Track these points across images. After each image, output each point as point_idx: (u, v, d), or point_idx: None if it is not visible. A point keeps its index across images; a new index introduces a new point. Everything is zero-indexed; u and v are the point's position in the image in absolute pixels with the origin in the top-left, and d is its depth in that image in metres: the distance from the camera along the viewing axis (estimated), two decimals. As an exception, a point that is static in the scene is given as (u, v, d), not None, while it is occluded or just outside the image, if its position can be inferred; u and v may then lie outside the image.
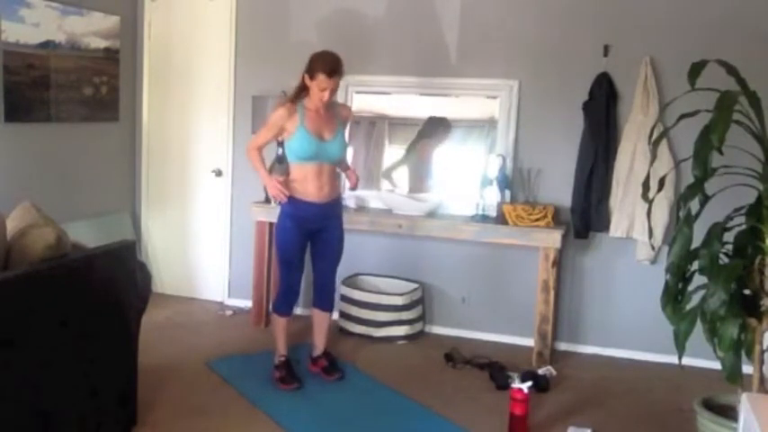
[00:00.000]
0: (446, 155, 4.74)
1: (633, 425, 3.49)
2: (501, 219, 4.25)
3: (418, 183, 4.77)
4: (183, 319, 4.81)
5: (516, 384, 3.31)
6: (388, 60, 4.70)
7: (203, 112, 5.12)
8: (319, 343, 3.95)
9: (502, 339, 4.59)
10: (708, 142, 2.70)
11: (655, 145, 3.07)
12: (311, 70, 3.50)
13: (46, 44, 4.31)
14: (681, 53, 3.86)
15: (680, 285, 2.93)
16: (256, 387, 3.70)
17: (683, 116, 2.94)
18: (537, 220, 4.17)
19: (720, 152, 2.70)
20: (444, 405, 3.59)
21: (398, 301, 4.49)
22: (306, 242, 3.76)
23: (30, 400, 2.50)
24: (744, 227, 2.92)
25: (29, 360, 2.48)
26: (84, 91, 4.68)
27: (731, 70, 2.91)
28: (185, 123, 5.17)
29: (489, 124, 4.60)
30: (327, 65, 3.46)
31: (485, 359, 4.16)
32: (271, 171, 3.84)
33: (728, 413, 2.85)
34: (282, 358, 3.83)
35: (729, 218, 2.90)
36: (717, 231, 2.85)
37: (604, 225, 4.31)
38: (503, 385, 3.76)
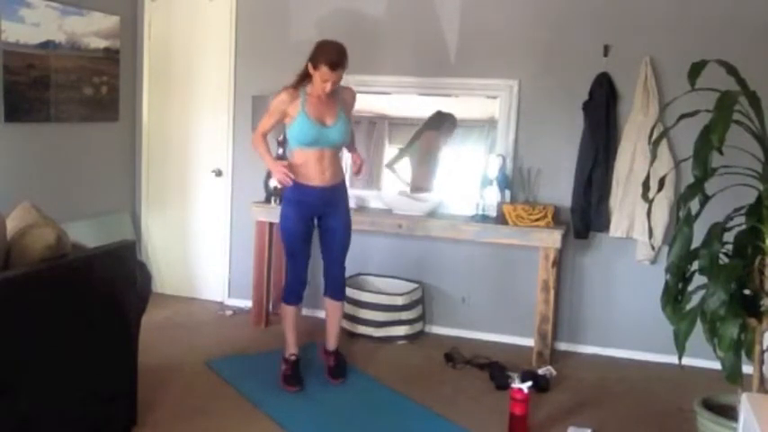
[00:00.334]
0: (446, 155, 4.74)
1: (633, 425, 3.49)
2: (501, 219, 4.25)
3: (421, 175, 4.76)
4: (183, 319, 4.81)
5: (516, 384, 3.31)
6: (388, 60, 4.70)
7: (203, 112, 5.12)
8: (332, 335, 3.91)
9: (502, 339, 4.59)
10: (708, 142, 2.70)
11: (655, 145, 3.06)
12: (315, 60, 3.47)
13: (46, 44, 4.31)
14: (681, 53, 3.86)
15: (680, 285, 2.94)
16: (256, 387, 3.70)
17: (683, 116, 2.94)
18: (537, 220, 4.17)
19: (720, 152, 2.70)
20: (444, 405, 3.59)
21: (398, 301, 4.49)
22: (310, 229, 3.72)
23: (29, 399, 2.50)
24: (744, 227, 2.92)
25: (28, 360, 2.48)
26: (84, 91, 4.69)
27: (731, 70, 2.91)
28: (185, 123, 5.17)
29: (489, 124, 4.60)
30: (331, 56, 3.43)
31: (485, 359, 4.16)
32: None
33: (728, 413, 2.85)
34: (293, 357, 3.80)
35: (729, 218, 2.90)
36: (717, 231, 2.85)
37: (604, 225, 4.31)
38: (503, 385, 3.76)
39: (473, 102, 4.69)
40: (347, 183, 3.87)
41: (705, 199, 2.90)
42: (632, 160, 4.19)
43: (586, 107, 4.31)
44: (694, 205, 2.91)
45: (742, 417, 2.15)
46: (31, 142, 4.33)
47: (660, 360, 4.22)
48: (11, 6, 4.05)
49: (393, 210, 4.53)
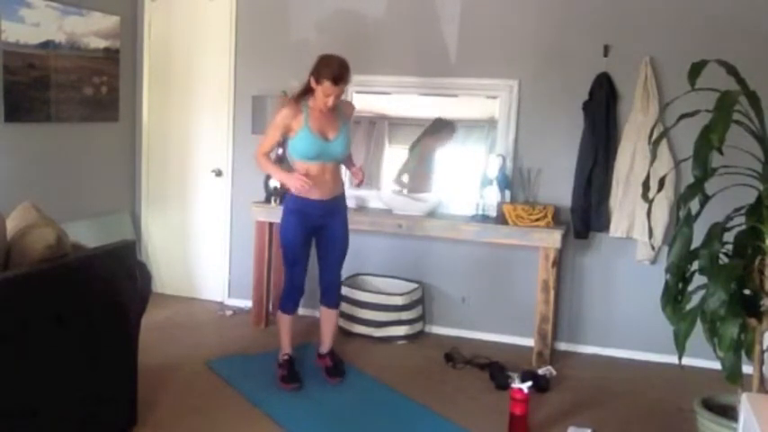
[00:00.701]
0: (446, 155, 4.74)
1: (633, 425, 3.49)
2: (501, 219, 4.25)
3: (420, 181, 4.76)
4: (183, 319, 4.81)
5: (516, 384, 3.31)
6: (389, 60, 4.70)
7: (203, 112, 5.12)
8: (326, 340, 3.93)
9: (502, 339, 4.59)
10: (708, 142, 2.70)
11: (655, 145, 3.06)
12: (318, 75, 3.47)
13: (46, 44, 4.31)
14: (681, 53, 3.86)
15: (680, 285, 2.93)
16: (256, 387, 3.70)
17: (683, 116, 2.94)
18: (537, 220, 4.17)
19: (720, 152, 2.70)
20: (444, 405, 3.59)
21: (398, 301, 4.49)
22: (309, 239, 3.75)
23: (29, 399, 2.50)
24: (744, 227, 2.92)
25: (28, 360, 2.48)
26: (84, 91, 4.69)
27: (731, 70, 2.91)
28: (185, 123, 5.17)
29: (489, 124, 4.61)
30: (335, 72, 3.44)
31: (485, 359, 4.16)
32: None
33: (728, 413, 2.85)
34: (286, 357, 3.83)
35: (729, 218, 2.90)
36: (717, 231, 2.85)
37: (604, 225, 4.31)
38: (503, 385, 3.76)
39: (473, 102, 4.69)
40: (347, 185, 3.88)
41: (705, 199, 2.90)
42: (632, 160, 4.19)
43: (586, 107, 4.31)
44: (694, 205, 2.91)
45: (742, 417, 2.15)
46: (31, 142, 4.33)
47: (660, 360, 4.22)
48: (11, 6, 4.05)
49: (393, 210, 4.53)
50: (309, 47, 3.67)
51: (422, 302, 4.69)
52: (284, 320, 3.85)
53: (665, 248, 3.39)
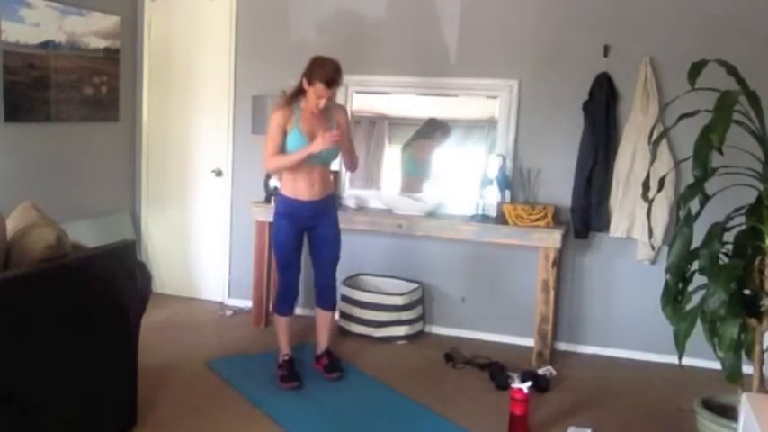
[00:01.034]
0: (446, 155, 4.74)
1: (633, 425, 3.49)
2: (501, 219, 4.25)
3: (412, 183, 4.77)
4: (183, 319, 4.81)
5: (516, 384, 3.31)
6: (388, 60, 4.70)
7: (203, 112, 5.12)
8: (322, 341, 3.95)
9: (502, 339, 4.59)
10: (708, 142, 2.70)
11: (655, 145, 3.06)
12: (310, 76, 3.49)
13: (46, 44, 4.31)
14: (681, 53, 3.86)
15: (680, 285, 2.93)
16: (256, 387, 3.70)
17: (683, 116, 2.94)
18: (537, 220, 4.17)
19: (720, 152, 2.70)
20: (444, 405, 3.59)
21: (398, 301, 4.49)
22: (301, 241, 3.77)
23: (29, 399, 2.50)
24: (744, 227, 2.92)
25: (28, 360, 2.48)
26: (84, 91, 4.69)
27: (731, 70, 2.91)
28: (185, 123, 5.17)
29: (489, 124, 4.61)
30: (327, 75, 3.46)
31: (485, 359, 4.16)
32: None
33: (728, 413, 2.85)
34: (286, 357, 3.84)
35: (729, 218, 2.90)
36: (717, 231, 2.85)
37: (604, 225, 4.31)
38: (503, 385, 3.76)
39: (473, 102, 4.69)
40: (347, 184, 3.88)
41: (705, 199, 2.90)
42: (632, 160, 4.19)
43: (586, 107, 4.31)
44: (694, 205, 2.91)
45: (742, 417, 2.15)
46: (31, 142, 4.33)
47: (660, 360, 4.22)
48: (11, 6, 4.05)
49: (393, 210, 4.53)
50: (309, 47, 3.67)
51: (422, 302, 4.69)
52: (281, 323, 3.87)
53: (665, 248, 3.39)
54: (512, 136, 4.50)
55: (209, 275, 5.24)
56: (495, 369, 3.97)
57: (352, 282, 4.67)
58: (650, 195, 3.05)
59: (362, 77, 4.69)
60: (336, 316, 4.44)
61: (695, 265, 2.90)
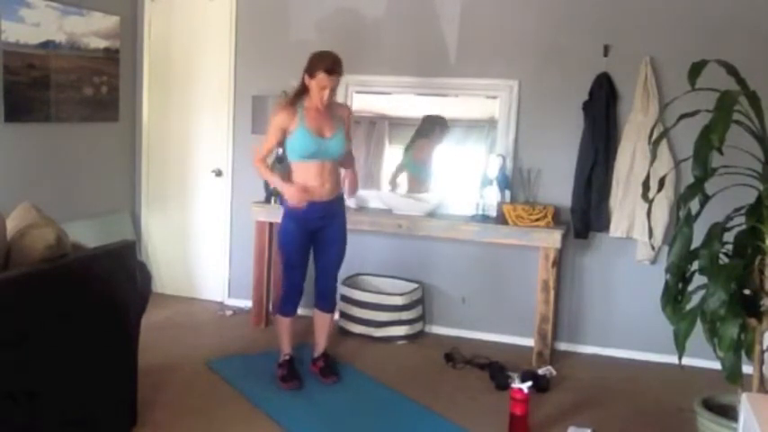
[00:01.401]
0: (446, 155, 4.74)
1: (633, 425, 3.49)
2: (501, 219, 4.25)
3: (416, 184, 4.77)
4: (183, 319, 4.82)
5: (516, 384, 3.31)
6: (388, 60, 4.70)
7: (203, 112, 5.12)
8: (319, 343, 3.94)
9: (502, 339, 4.59)
10: (708, 142, 2.70)
11: (655, 145, 3.06)
12: (311, 69, 3.51)
13: (46, 44, 4.31)
14: (681, 53, 3.86)
15: (680, 285, 2.93)
16: (256, 387, 3.70)
17: (683, 116, 2.94)
18: (537, 220, 4.17)
19: (720, 152, 2.70)
20: (444, 405, 3.59)
21: (398, 301, 4.49)
22: (309, 242, 3.74)
23: (29, 399, 2.50)
24: (744, 227, 2.92)
25: (28, 360, 2.48)
26: (84, 91, 4.69)
27: (731, 70, 2.91)
28: (185, 123, 5.17)
29: (489, 124, 4.61)
30: (327, 63, 3.48)
31: (485, 359, 4.16)
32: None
33: (728, 413, 2.85)
34: (287, 357, 3.83)
35: (729, 218, 2.90)
36: (717, 231, 2.85)
37: (604, 225, 4.31)
38: (503, 385, 3.76)
39: (473, 102, 4.69)
40: (347, 184, 3.86)
41: (705, 199, 2.90)
42: (632, 160, 4.19)
43: (586, 107, 4.31)
44: (694, 205, 2.91)
45: (742, 417, 2.15)
46: (31, 142, 4.33)
47: (660, 360, 4.22)
48: (11, 6, 4.05)
49: (393, 210, 4.53)
50: (309, 47, 3.66)
51: (422, 302, 4.69)
52: (283, 323, 3.85)
53: (665, 248, 3.39)
54: (512, 136, 4.50)
55: (209, 275, 5.24)
56: (495, 369, 3.97)
57: (352, 282, 4.67)
58: (650, 195, 3.05)
59: (362, 77, 4.69)
60: (336, 316, 4.44)
61: (695, 265, 2.90)
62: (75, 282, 2.72)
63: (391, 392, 3.74)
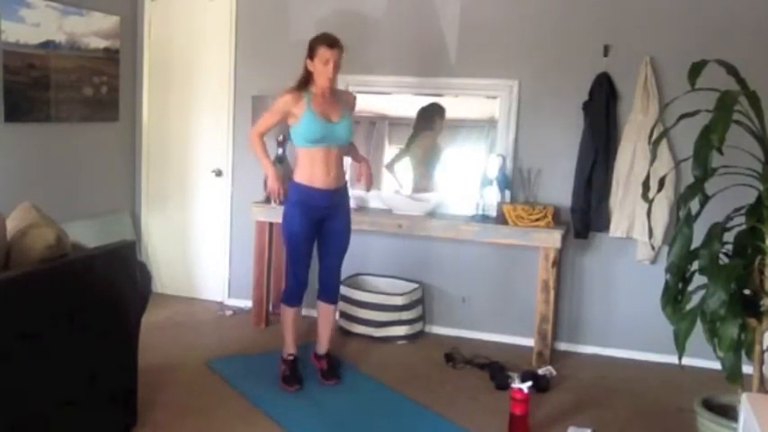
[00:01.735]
0: (446, 155, 4.74)
1: (633, 425, 3.49)
2: (501, 219, 4.25)
3: (424, 178, 4.76)
4: (183, 319, 4.82)
5: (516, 384, 3.31)
6: (388, 60, 4.70)
7: (203, 112, 5.12)
8: (323, 339, 3.91)
9: (502, 339, 4.59)
10: (708, 142, 2.70)
11: (655, 145, 3.06)
12: (311, 50, 3.54)
13: (46, 44, 4.31)
14: (681, 53, 3.86)
15: (680, 285, 2.93)
16: (257, 387, 3.70)
17: (683, 116, 2.94)
18: (537, 220, 4.17)
19: (720, 152, 2.70)
20: (444, 405, 3.59)
21: (398, 301, 4.49)
22: (314, 231, 3.70)
23: (29, 399, 2.50)
24: (744, 227, 2.92)
25: (28, 360, 2.48)
26: (84, 91, 4.69)
27: (731, 70, 2.91)
28: (185, 123, 5.17)
29: (489, 124, 4.61)
30: (327, 38, 3.54)
31: (485, 359, 4.16)
32: None
33: (728, 413, 2.84)
34: (291, 357, 3.81)
35: (729, 218, 2.90)
36: (717, 231, 2.84)
37: (604, 225, 4.31)
38: (503, 385, 3.76)
39: (473, 102, 4.69)
40: (350, 186, 3.88)
41: (705, 199, 2.90)
42: (632, 160, 4.19)
43: (586, 107, 4.31)
44: (694, 205, 2.91)
45: (742, 417, 2.15)
46: (31, 142, 4.33)
47: (660, 360, 4.22)
48: (11, 6, 4.05)
49: (393, 210, 4.53)
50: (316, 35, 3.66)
51: (422, 302, 4.69)
52: (289, 314, 3.81)
53: (665, 248, 3.39)
54: (512, 136, 4.50)
55: (209, 275, 5.24)
56: (495, 369, 3.97)
57: (352, 282, 4.67)
58: (650, 195, 3.04)
59: (362, 77, 4.69)
60: (336, 316, 4.44)
61: (695, 265, 2.90)
62: (75, 282, 2.72)
63: (391, 392, 3.74)
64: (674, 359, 2.93)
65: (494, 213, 4.34)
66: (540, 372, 3.94)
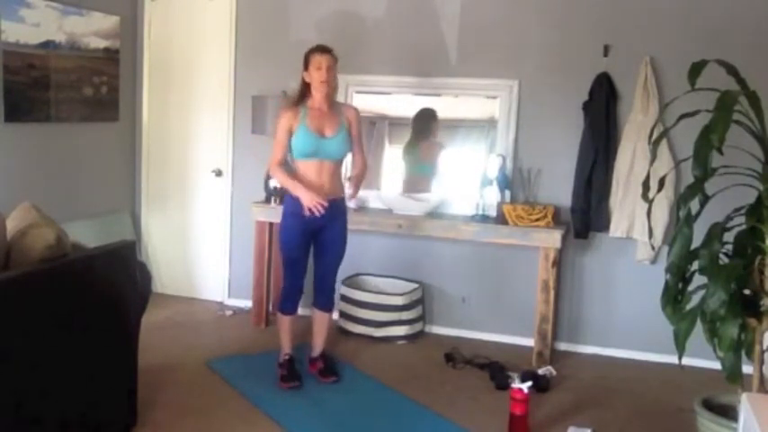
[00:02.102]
0: (446, 155, 4.74)
1: (633, 425, 3.49)
2: (501, 219, 4.25)
3: (423, 183, 4.76)
4: (183, 319, 4.81)
5: (516, 384, 3.31)
6: (388, 60, 4.70)
7: (203, 112, 5.12)
8: (318, 343, 3.95)
9: (502, 339, 4.59)
10: (708, 142, 2.70)
11: (655, 145, 3.06)
12: (306, 60, 3.61)
13: (46, 44, 4.31)
14: (681, 53, 3.86)
15: (680, 285, 2.93)
16: (256, 387, 3.70)
17: (683, 116, 2.94)
18: (537, 220, 4.17)
19: (720, 152, 2.70)
20: (444, 405, 3.59)
21: (398, 301, 4.49)
22: (309, 241, 3.75)
23: (29, 399, 2.50)
24: (744, 227, 2.92)
25: (29, 360, 2.48)
26: (84, 91, 4.68)
27: (731, 70, 2.91)
28: (185, 123, 5.16)
29: (489, 124, 4.61)
30: (318, 46, 3.61)
31: (485, 359, 4.16)
32: None
33: (728, 413, 2.84)
34: (287, 357, 3.83)
35: (729, 218, 2.90)
36: (717, 231, 2.85)
37: (604, 225, 4.31)
38: (503, 385, 3.76)
39: (473, 102, 4.69)
40: (347, 184, 3.87)
41: (705, 199, 2.90)
42: (632, 160, 4.19)
43: (586, 107, 4.31)
44: (694, 205, 2.91)
45: (742, 417, 2.15)
46: (31, 142, 4.33)
47: (660, 360, 4.22)
48: (11, 6, 4.05)
49: (393, 210, 4.53)
50: (309, 47, 3.67)
51: (422, 302, 4.69)
52: (284, 321, 3.86)
53: (665, 248, 3.39)
54: (512, 136, 4.50)
55: (209, 275, 5.24)
56: (495, 369, 3.97)
57: (352, 282, 4.67)
58: (650, 195, 3.04)
59: (362, 77, 4.69)
60: (336, 316, 4.45)
61: (695, 265, 2.90)
62: (75, 282, 2.72)
63: (391, 392, 3.74)
64: (674, 359, 2.93)
65: (494, 213, 4.34)
66: (540, 372, 3.94)
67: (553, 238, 4.11)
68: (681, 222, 2.92)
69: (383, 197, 4.64)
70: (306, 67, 3.60)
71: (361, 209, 4.61)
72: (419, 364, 4.18)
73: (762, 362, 2.86)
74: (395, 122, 4.91)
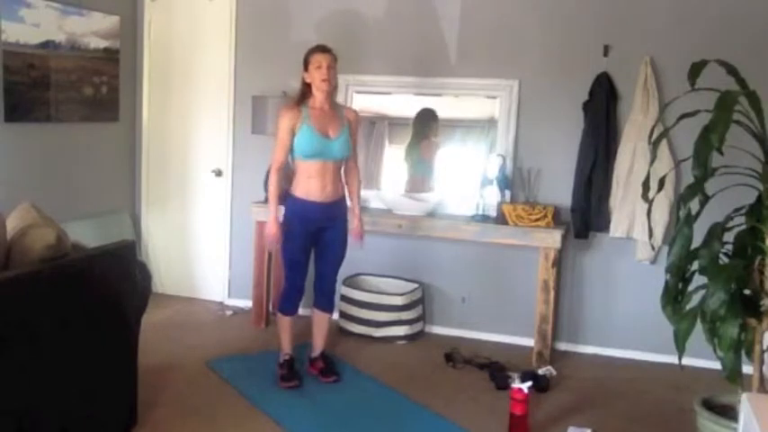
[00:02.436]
0: (446, 155, 4.74)
1: (633, 425, 3.49)
2: (501, 219, 4.25)
3: (423, 183, 4.76)
4: (183, 319, 4.82)
5: (516, 384, 3.31)
6: (388, 60, 4.70)
7: (203, 112, 5.12)
8: (318, 344, 3.95)
9: (502, 339, 4.59)
10: (708, 142, 2.70)
11: (655, 145, 3.06)
12: (306, 60, 3.61)
13: (46, 44, 4.31)
14: (681, 53, 3.86)
15: (680, 285, 2.93)
16: (256, 387, 3.70)
17: (683, 116, 2.94)
18: (537, 220, 4.17)
19: (720, 152, 2.70)
20: (444, 405, 3.59)
21: (398, 301, 4.49)
22: (310, 242, 3.75)
23: (29, 399, 2.50)
24: (744, 227, 2.92)
25: (28, 360, 2.48)
26: (84, 91, 4.68)
27: (731, 70, 2.91)
28: (185, 123, 5.17)
29: (489, 124, 4.61)
30: (318, 46, 3.63)
31: (485, 359, 4.16)
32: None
33: (728, 413, 2.85)
34: (287, 357, 3.83)
35: (729, 218, 2.90)
36: (717, 231, 2.85)
37: (604, 225, 4.31)
38: (503, 385, 3.76)
39: (473, 102, 4.69)
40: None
41: (705, 199, 2.90)
42: (632, 160, 4.19)
43: (586, 107, 4.31)
44: (694, 205, 2.91)
45: (742, 417, 2.15)
46: (31, 142, 4.33)
47: (660, 360, 4.22)
48: (11, 6, 4.05)
49: (393, 210, 4.53)
50: (309, 47, 3.67)
51: (422, 302, 4.69)
52: (284, 322, 3.86)
53: (665, 248, 3.38)
54: (512, 136, 4.50)
55: (209, 275, 5.24)
56: (495, 369, 3.97)
57: (352, 282, 4.67)
58: (650, 195, 3.05)
59: (362, 77, 4.69)
60: (336, 315, 4.44)
61: (695, 265, 2.90)
62: (75, 282, 2.72)
63: (391, 392, 3.74)
64: (674, 359, 2.93)
65: (494, 213, 4.34)
66: (540, 372, 3.94)
67: (553, 238, 4.11)
68: (681, 222, 2.92)
69: (383, 197, 4.64)
70: (306, 67, 3.61)
71: (362, 209, 4.58)
72: (419, 365, 4.18)
73: (762, 362, 2.86)
74: (395, 122, 4.91)
